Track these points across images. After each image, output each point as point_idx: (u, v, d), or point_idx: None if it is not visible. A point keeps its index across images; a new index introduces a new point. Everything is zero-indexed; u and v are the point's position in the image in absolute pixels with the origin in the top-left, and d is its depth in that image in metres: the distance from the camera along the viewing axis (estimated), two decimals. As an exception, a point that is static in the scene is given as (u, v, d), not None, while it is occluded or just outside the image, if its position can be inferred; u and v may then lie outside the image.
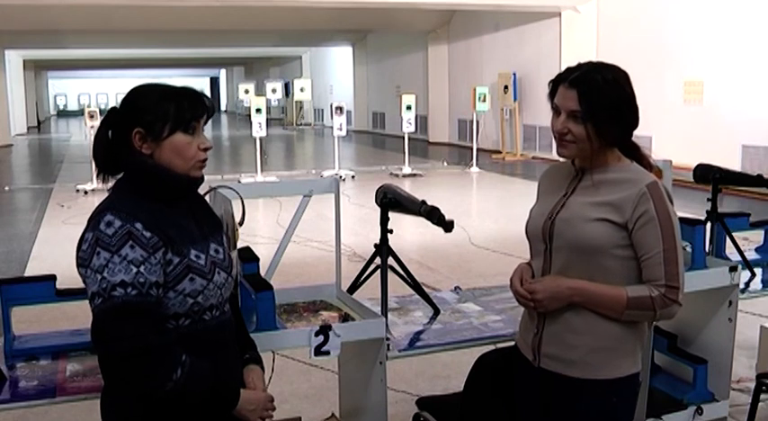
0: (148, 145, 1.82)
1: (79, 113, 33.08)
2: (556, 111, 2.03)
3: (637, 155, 2.10)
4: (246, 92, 18.26)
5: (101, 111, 12.77)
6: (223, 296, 1.90)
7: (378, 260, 2.85)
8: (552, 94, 2.04)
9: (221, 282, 1.88)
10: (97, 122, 12.03)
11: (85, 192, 11.50)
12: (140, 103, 1.84)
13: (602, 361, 2.04)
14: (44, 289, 2.47)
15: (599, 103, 1.96)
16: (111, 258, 1.70)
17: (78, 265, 1.77)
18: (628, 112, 2.01)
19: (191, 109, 1.84)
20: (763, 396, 3.22)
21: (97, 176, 1.90)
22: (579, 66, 2.04)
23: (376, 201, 2.85)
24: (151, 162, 1.82)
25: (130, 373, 1.73)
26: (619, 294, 1.99)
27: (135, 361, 1.70)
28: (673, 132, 12.04)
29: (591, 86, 1.97)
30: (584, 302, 2.01)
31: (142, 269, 1.72)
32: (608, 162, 2.06)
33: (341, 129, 13.70)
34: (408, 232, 7.68)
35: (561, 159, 2.15)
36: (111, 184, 1.89)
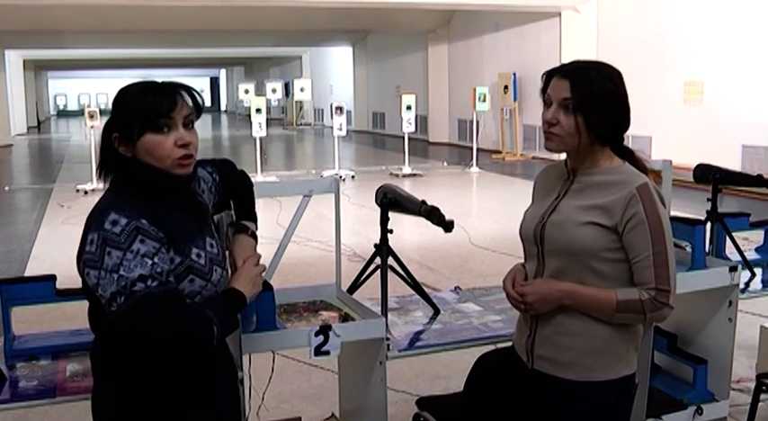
0: (126, 148, 1.80)
1: (79, 113, 33.05)
2: (547, 103, 2.03)
3: (632, 159, 2.08)
4: (246, 92, 18.28)
5: (101, 111, 12.76)
6: (218, 293, 1.90)
7: (378, 260, 2.85)
8: (545, 89, 2.04)
9: (217, 279, 1.87)
10: (97, 122, 12.04)
11: (85, 192, 11.50)
12: (115, 106, 1.82)
13: (594, 363, 2.03)
14: (44, 289, 2.47)
15: (591, 93, 1.96)
16: (124, 256, 1.68)
17: (87, 267, 1.72)
18: (618, 109, 2.01)
19: (155, 106, 1.78)
20: (763, 396, 3.21)
21: (98, 177, 1.89)
22: (573, 62, 2.06)
23: (376, 201, 2.85)
24: (134, 162, 1.80)
25: (180, 350, 1.73)
26: (608, 297, 1.98)
27: (181, 337, 1.71)
28: (673, 132, 12.04)
29: (584, 77, 1.98)
30: (574, 305, 2.01)
31: (156, 260, 1.71)
32: (599, 163, 2.05)
33: (341, 129, 13.70)
34: (408, 232, 7.68)
35: (563, 156, 2.14)
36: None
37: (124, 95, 1.82)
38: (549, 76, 2.04)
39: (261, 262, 2.00)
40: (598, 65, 2.04)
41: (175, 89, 1.82)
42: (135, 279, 1.67)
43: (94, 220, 1.74)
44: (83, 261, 1.74)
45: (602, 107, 1.97)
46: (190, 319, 1.73)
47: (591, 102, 1.96)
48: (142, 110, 1.78)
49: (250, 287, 1.92)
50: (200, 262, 1.82)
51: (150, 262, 1.69)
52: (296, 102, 25.34)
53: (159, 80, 1.88)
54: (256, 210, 2.19)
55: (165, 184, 1.82)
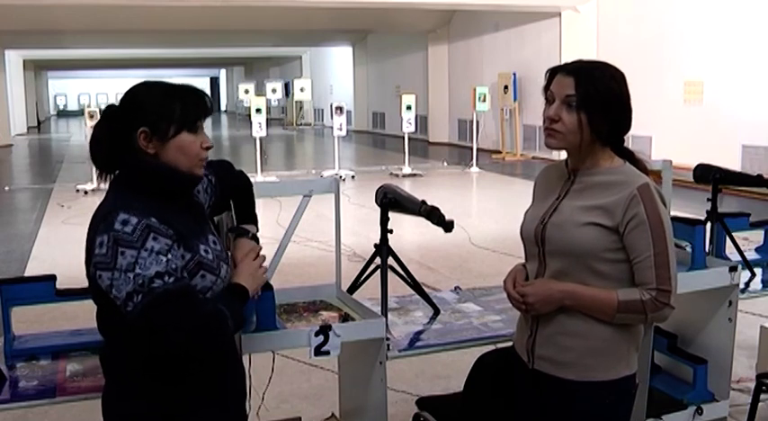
0: (153, 144, 1.80)
1: (79, 113, 33.06)
2: (549, 100, 2.03)
3: (632, 160, 2.09)
4: (246, 92, 18.30)
5: (101, 111, 12.77)
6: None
7: (378, 260, 2.85)
8: (548, 86, 2.04)
9: (224, 274, 1.88)
10: (97, 122, 12.03)
11: (85, 192, 11.50)
12: (144, 102, 1.82)
13: (595, 363, 2.03)
14: (44, 289, 2.46)
15: (595, 91, 1.96)
16: (138, 254, 1.68)
17: (99, 270, 1.71)
18: (620, 109, 2.01)
19: (195, 108, 1.83)
20: (763, 396, 3.22)
21: (99, 176, 1.88)
22: (577, 60, 2.06)
23: (376, 201, 2.85)
24: (156, 161, 1.81)
25: (196, 345, 1.74)
26: (609, 298, 1.98)
27: (198, 332, 1.72)
28: (673, 132, 12.04)
29: (588, 75, 1.98)
30: (575, 305, 2.01)
31: (170, 256, 1.72)
32: (599, 163, 2.05)
33: (341, 129, 13.69)
34: (408, 232, 7.68)
35: (563, 156, 2.14)
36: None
37: (155, 92, 1.83)
38: (553, 72, 2.04)
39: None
40: (602, 64, 2.04)
41: (203, 93, 1.89)
42: (152, 276, 1.68)
43: (102, 222, 1.73)
44: (93, 264, 1.73)
45: (605, 106, 1.97)
46: (205, 315, 1.74)
47: (595, 99, 1.96)
48: (185, 109, 1.81)
49: (251, 281, 1.92)
50: (208, 257, 1.83)
51: (165, 259, 1.70)
52: (296, 102, 25.33)
53: (168, 81, 1.90)
54: (256, 210, 2.19)
55: (182, 185, 1.86)
